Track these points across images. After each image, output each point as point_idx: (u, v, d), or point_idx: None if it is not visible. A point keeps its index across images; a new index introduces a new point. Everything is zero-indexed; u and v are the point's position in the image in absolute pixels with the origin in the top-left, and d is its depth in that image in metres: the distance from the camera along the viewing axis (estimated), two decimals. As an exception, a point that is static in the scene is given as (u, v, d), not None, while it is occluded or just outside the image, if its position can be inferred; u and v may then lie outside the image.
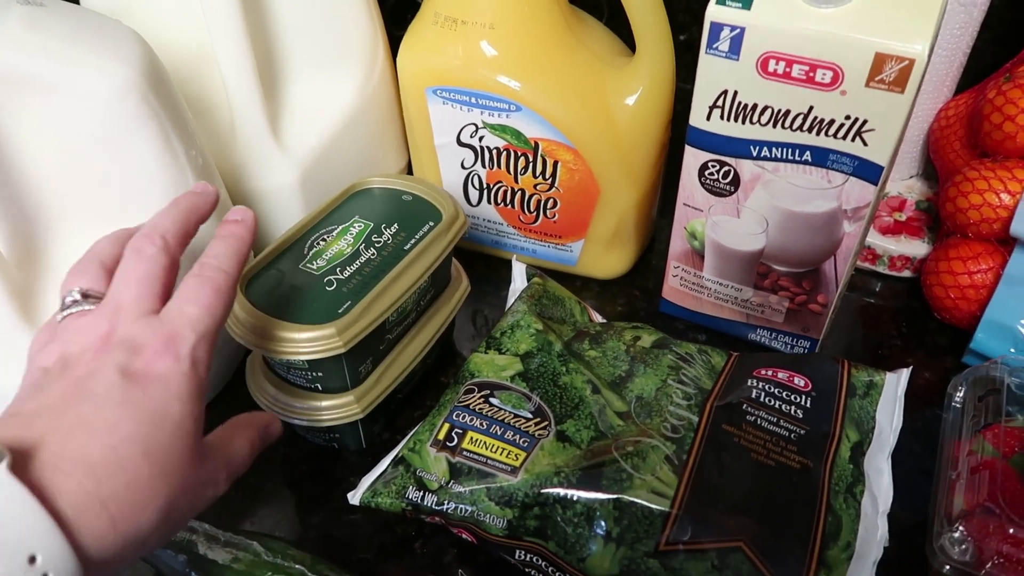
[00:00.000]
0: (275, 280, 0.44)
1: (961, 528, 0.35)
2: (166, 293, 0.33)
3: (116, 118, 0.40)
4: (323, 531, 0.46)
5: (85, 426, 0.28)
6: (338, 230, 0.47)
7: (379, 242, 0.46)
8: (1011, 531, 0.34)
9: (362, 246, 0.46)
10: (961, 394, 0.42)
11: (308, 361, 0.42)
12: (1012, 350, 0.47)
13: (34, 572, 0.24)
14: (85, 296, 0.33)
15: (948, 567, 0.35)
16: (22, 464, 0.26)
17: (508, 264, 0.55)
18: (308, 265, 0.45)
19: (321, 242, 0.46)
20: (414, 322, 0.49)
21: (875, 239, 0.58)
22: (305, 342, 0.41)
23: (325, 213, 0.49)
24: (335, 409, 0.45)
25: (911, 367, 0.44)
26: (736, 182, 0.46)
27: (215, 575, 0.39)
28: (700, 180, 0.47)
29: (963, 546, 0.34)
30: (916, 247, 0.57)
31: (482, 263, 0.61)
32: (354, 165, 0.58)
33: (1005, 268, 0.49)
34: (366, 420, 0.46)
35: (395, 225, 0.48)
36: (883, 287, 0.59)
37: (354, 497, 0.43)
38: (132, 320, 0.32)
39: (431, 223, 0.48)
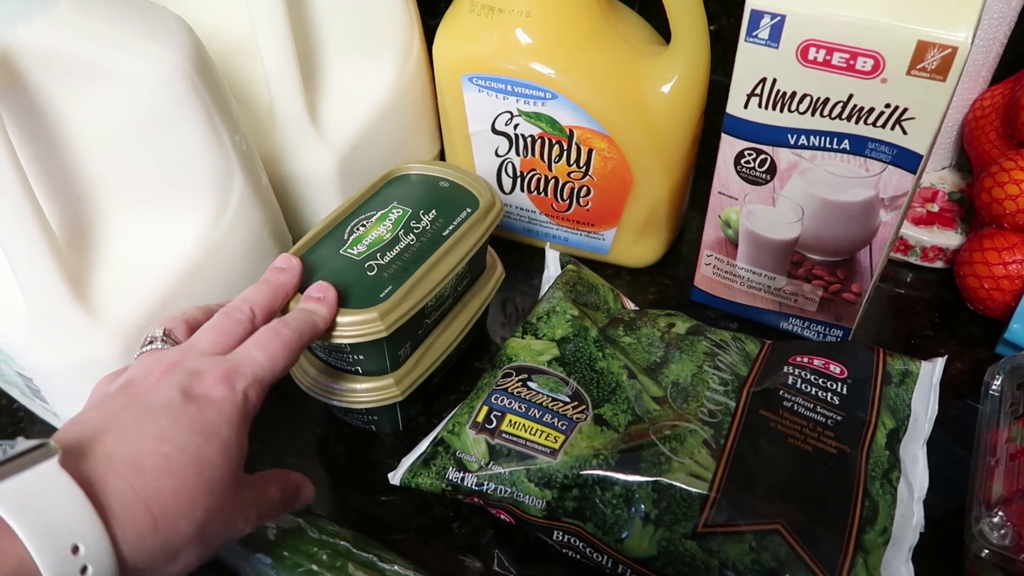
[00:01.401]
0: (317, 265, 0.44)
1: (1000, 513, 0.35)
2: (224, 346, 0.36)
3: (164, 103, 0.41)
4: (361, 511, 0.47)
5: (139, 432, 0.30)
6: (377, 216, 0.48)
7: (418, 228, 0.47)
8: (1051, 516, 0.34)
9: (401, 232, 0.47)
10: (999, 382, 0.42)
11: (350, 344, 0.42)
12: (1046, 341, 0.47)
13: (75, 563, 0.26)
14: (166, 336, 0.36)
15: (987, 552, 0.35)
16: (74, 460, 0.28)
17: (539, 252, 0.55)
18: (349, 250, 0.45)
19: (361, 228, 0.47)
20: (451, 307, 0.49)
21: (908, 230, 0.58)
22: (348, 326, 0.41)
23: (364, 199, 0.49)
24: (375, 391, 0.45)
25: (946, 357, 0.45)
26: (772, 170, 0.46)
27: (262, 549, 0.40)
28: (736, 168, 0.48)
29: (1002, 531, 0.35)
30: (949, 238, 0.57)
31: (513, 251, 0.62)
32: (389, 152, 0.58)
33: (1041, 258, 0.49)
34: (404, 403, 0.47)
35: (433, 211, 0.48)
36: (915, 278, 0.59)
37: (395, 477, 0.43)
38: (201, 355, 0.35)
39: (468, 210, 0.48)
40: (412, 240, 0.46)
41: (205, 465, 0.31)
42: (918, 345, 0.54)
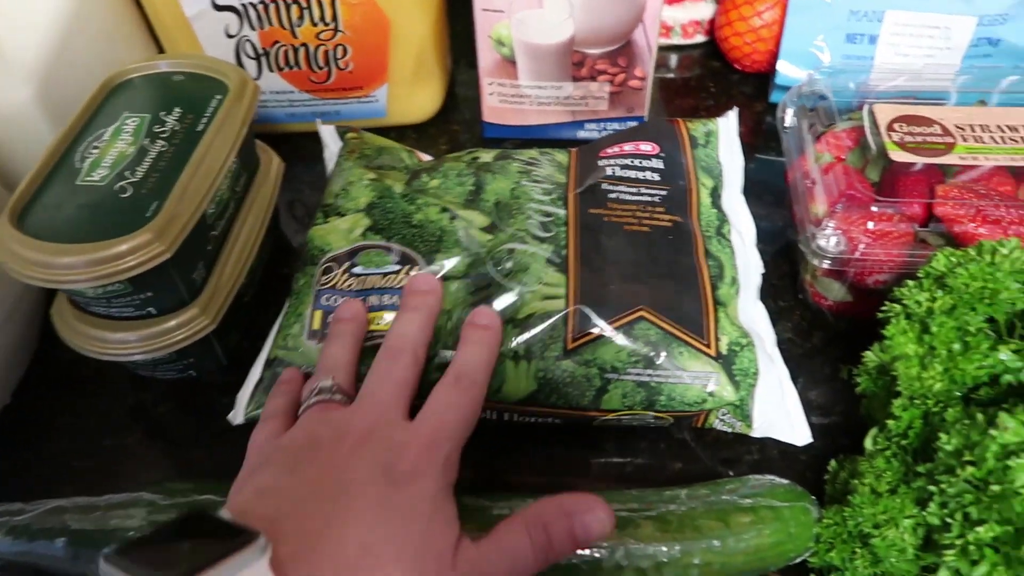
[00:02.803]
0: (54, 205, 0.36)
1: (831, 224, 0.37)
2: (413, 401, 0.33)
3: None
4: (213, 464, 0.41)
5: (342, 520, 0.27)
6: (110, 132, 0.40)
7: (165, 131, 0.40)
8: (874, 209, 0.36)
9: (146, 141, 0.39)
10: (791, 115, 0.44)
11: (130, 280, 0.36)
12: (813, 72, 0.49)
13: None
14: (339, 389, 0.33)
15: (828, 262, 0.37)
16: (275, 553, 0.24)
17: (312, 138, 0.50)
18: (88, 178, 0.37)
19: (94, 151, 0.39)
20: (236, 212, 0.43)
21: (663, 12, 0.58)
22: (119, 258, 0.34)
23: (84, 120, 0.41)
24: (181, 328, 0.39)
25: (736, 108, 0.46)
26: (529, -32, 0.44)
27: (105, 543, 0.34)
28: (493, -24, 0.44)
29: (836, 239, 0.36)
30: (701, 9, 0.59)
31: (282, 144, 0.55)
32: (96, 65, 0.48)
33: (789, -2, 0.51)
34: (219, 332, 0.41)
35: (177, 109, 0.41)
36: (683, 57, 0.60)
37: (236, 417, 0.39)
38: (391, 420, 0.31)
39: (218, 96, 0.42)
40: (163, 146, 0.39)
41: (409, 555, 0.27)
42: (704, 116, 0.55)
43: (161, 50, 0.53)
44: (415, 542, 0.27)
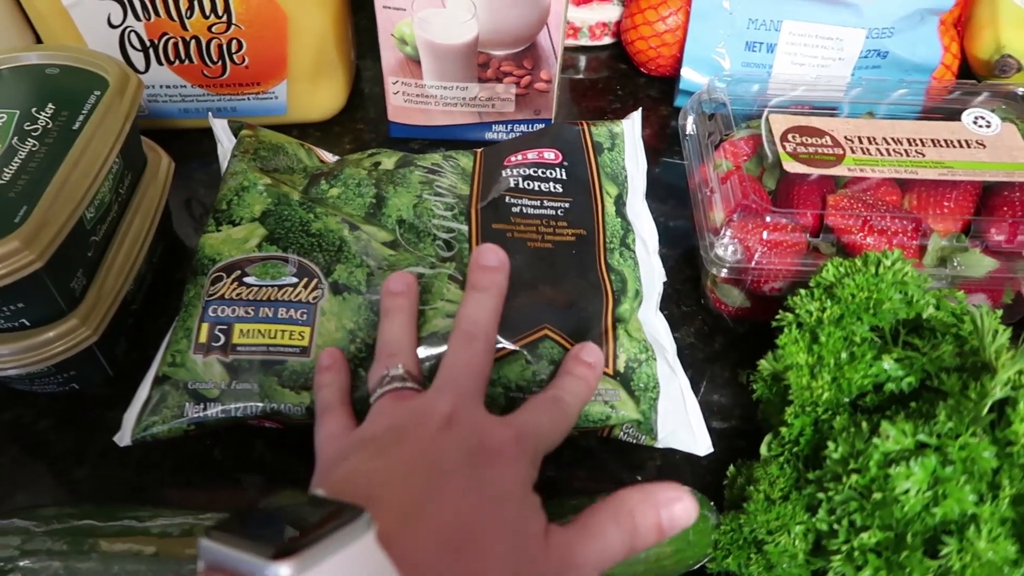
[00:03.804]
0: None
1: (728, 232, 0.37)
2: (486, 389, 0.33)
3: None
4: (99, 483, 0.39)
5: (437, 498, 0.26)
6: (-27, 130, 0.37)
7: (36, 129, 0.37)
8: (768, 219, 0.37)
9: (15, 140, 0.36)
10: (691, 122, 0.44)
11: (-3, 292, 0.33)
12: (713, 78, 0.50)
13: None
14: (409, 376, 0.32)
15: (725, 270, 0.37)
16: (379, 534, 0.22)
17: (209, 135, 0.47)
18: (-52, 181, 0.34)
19: (-45, 150, 0.36)
20: (120, 216, 0.41)
21: (571, 13, 0.58)
22: (-17, 269, 0.32)
23: (-55, 116, 0.38)
24: (59, 341, 0.36)
25: (640, 109, 0.46)
26: (429, -34, 0.43)
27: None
28: (394, -27, 0.43)
29: (732, 248, 0.37)
30: (609, 11, 0.59)
31: (176, 140, 0.52)
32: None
33: (691, 4, 0.51)
34: (104, 343, 0.39)
35: (50, 106, 0.38)
36: (590, 58, 0.60)
37: (123, 439, 0.36)
38: (474, 406, 0.31)
39: (96, 92, 0.39)
40: (34, 146, 0.36)
41: (504, 529, 0.26)
42: (611, 118, 0.56)
43: (40, 41, 0.49)
44: (510, 522, 0.27)
